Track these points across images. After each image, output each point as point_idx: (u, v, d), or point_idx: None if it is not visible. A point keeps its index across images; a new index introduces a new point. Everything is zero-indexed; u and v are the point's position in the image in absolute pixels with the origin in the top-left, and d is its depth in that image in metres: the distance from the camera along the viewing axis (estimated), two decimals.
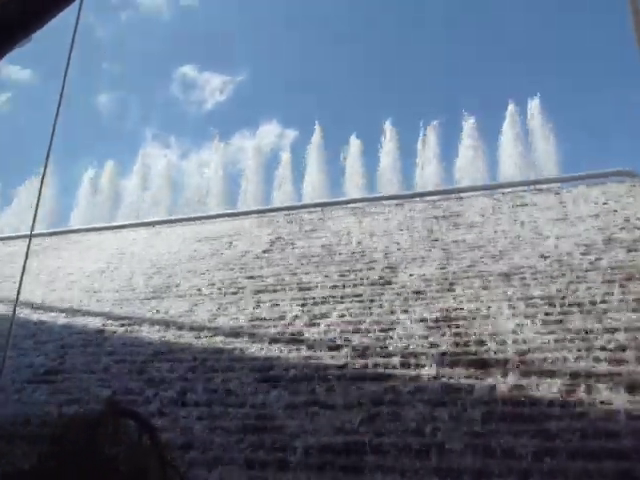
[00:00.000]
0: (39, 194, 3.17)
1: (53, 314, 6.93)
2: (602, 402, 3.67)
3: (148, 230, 10.73)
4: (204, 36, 26.88)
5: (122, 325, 6.27)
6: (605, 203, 7.70)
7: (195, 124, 26.08)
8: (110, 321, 6.43)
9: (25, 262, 2.99)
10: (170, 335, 5.76)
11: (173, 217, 11.59)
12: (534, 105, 12.55)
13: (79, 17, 3.54)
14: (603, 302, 4.97)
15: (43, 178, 3.10)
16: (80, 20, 3.54)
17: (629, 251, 6.01)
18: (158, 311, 6.48)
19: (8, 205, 15.10)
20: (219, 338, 5.42)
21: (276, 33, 27.08)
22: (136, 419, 2.01)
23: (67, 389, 4.90)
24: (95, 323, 6.47)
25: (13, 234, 12.01)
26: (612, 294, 5.07)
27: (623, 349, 4.26)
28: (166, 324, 6.03)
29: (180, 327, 5.89)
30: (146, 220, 11.95)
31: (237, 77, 30.89)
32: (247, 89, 26.44)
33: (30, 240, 3.28)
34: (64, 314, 6.92)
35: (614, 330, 4.48)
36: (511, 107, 12.58)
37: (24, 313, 6.87)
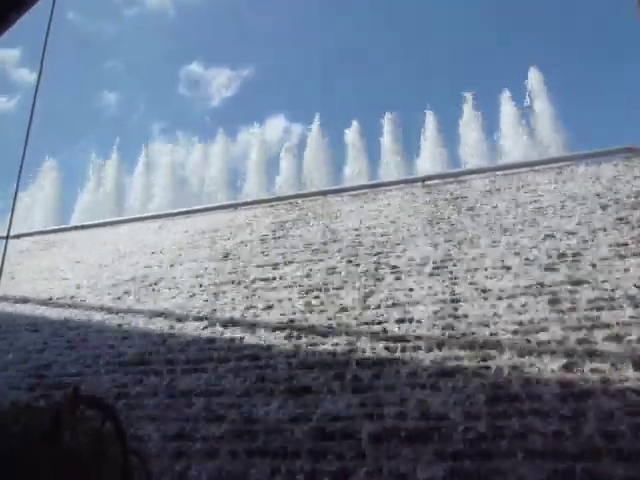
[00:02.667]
0: (15, 196, 3.14)
1: (49, 308, 6.93)
2: None
3: (150, 223, 10.73)
4: (209, 32, 26.87)
5: (119, 317, 6.26)
6: (613, 179, 7.54)
7: (202, 120, 26.13)
8: (107, 314, 6.42)
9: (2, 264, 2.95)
10: (168, 326, 5.73)
11: (175, 210, 11.57)
12: (534, 79, 12.41)
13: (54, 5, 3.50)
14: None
15: (19, 180, 3.04)
16: (55, 9, 3.51)
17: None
18: (155, 302, 6.46)
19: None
20: (216, 328, 5.39)
21: (282, 27, 26.98)
22: (99, 406, 1.95)
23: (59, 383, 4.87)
24: (93, 316, 6.47)
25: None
26: (614, 271, 4.96)
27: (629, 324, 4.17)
28: (164, 315, 6.01)
29: (178, 318, 5.86)
30: (148, 214, 11.99)
31: (243, 72, 30.85)
32: (253, 84, 26.44)
33: (7, 242, 3.26)
34: (60, 307, 6.91)
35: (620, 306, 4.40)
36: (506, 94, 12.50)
37: (20, 309, 6.89)
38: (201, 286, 6.72)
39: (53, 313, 6.91)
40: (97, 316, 6.47)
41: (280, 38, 27.15)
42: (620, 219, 6.23)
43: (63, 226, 12.47)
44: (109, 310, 6.57)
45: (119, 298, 6.90)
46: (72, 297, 7.32)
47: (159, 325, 5.83)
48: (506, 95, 12.80)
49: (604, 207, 6.65)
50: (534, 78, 12.87)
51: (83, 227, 11.82)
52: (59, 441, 1.73)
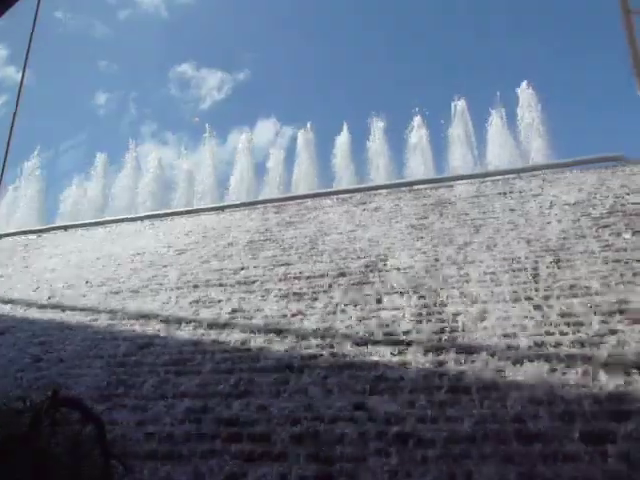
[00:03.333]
0: None
1: (37, 310, 6.85)
2: None
3: (137, 224, 10.65)
4: (202, 34, 26.83)
5: (107, 319, 6.20)
6: (593, 188, 7.62)
7: (192, 122, 26.03)
8: (94, 315, 6.36)
9: None
10: (153, 328, 5.69)
11: (162, 211, 11.50)
12: (522, 90, 12.55)
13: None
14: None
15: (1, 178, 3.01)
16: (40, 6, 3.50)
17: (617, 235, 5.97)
18: (143, 303, 6.41)
19: None
20: (201, 330, 5.36)
21: (275, 30, 27.00)
22: (79, 409, 1.93)
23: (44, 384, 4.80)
24: (79, 318, 6.40)
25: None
26: (596, 277, 5.01)
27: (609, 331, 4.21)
28: (149, 317, 5.96)
29: (163, 320, 5.82)
30: (135, 215, 11.90)
31: (236, 75, 30.79)
32: (246, 87, 26.41)
33: None
34: (48, 309, 6.83)
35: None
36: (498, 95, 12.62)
37: (5, 310, 6.79)
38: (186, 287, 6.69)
39: (35, 314, 6.83)
40: (79, 317, 6.40)
41: (273, 41, 27.17)
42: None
43: (47, 226, 12.32)
44: (92, 311, 6.51)
45: (104, 299, 6.84)
46: (50, 298, 7.24)
47: (143, 327, 5.79)
48: (496, 102, 12.92)
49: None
50: (523, 89, 13.01)
51: (67, 227, 11.70)
52: (37, 444, 1.71)
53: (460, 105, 13.05)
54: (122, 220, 11.39)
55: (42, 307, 6.97)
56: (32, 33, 3.00)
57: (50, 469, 1.68)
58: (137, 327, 5.85)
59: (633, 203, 6.82)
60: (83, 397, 3.92)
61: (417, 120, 13.14)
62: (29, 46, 2.97)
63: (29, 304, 7.18)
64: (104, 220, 11.87)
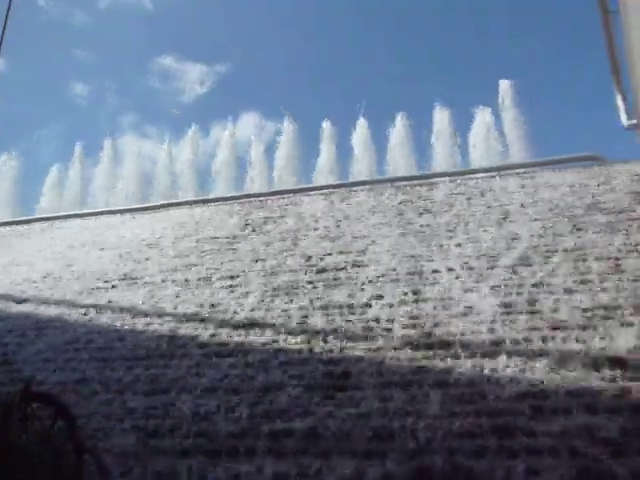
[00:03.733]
0: None
1: (11, 303, 6.75)
2: None
3: (116, 217, 10.55)
4: (185, 26, 26.54)
5: (84, 313, 6.13)
6: (572, 187, 7.73)
7: (173, 114, 25.77)
8: (72, 309, 6.28)
9: None
10: (132, 321, 5.64)
11: (142, 205, 11.40)
12: (504, 89, 12.66)
13: None
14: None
15: None
16: None
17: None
18: (122, 297, 6.35)
19: None
20: (179, 324, 5.32)
21: (258, 23, 26.83)
22: (51, 404, 1.90)
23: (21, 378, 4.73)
24: (56, 311, 6.32)
25: None
26: (573, 275, 5.09)
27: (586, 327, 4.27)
28: (128, 310, 5.91)
29: (143, 313, 5.77)
30: (115, 208, 11.79)
31: (219, 68, 30.57)
32: (229, 80, 26.22)
33: None
34: (23, 303, 6.73)
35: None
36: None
37: None
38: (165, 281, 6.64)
39: (11, 307, 6.72)
40: (58, 310, 6.32)
41: (258, 35, 27.01)
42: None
43: (24, 218, 12.14)
44: (71, 304, 6.43)
45: (80, 293, 6.76)
46: (25, 291, 7.14)
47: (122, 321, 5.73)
48: (479, 104, 13.02)
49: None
50: (504, 88, 13.12)
51: (45, 219, 11.54)
52: (7, 438, 1.68)
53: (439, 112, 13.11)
54: (100, 213, 11.28)
55: (17, 301, 6.87)
56: (4, 26, 2.93)
57: (20, 464, 1.66)
58: (113, 320, 5.79)
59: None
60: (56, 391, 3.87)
61: (400, 118, 13.20)
62: (2, 36, 2.90)
63: (4, 297, 7.07)
64: (82, 213, 11.73)
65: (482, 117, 12.97)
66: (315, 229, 7.77)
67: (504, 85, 12.87)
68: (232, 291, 6.04)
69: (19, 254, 9.13)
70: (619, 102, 8.80)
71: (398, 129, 13.01)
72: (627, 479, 2.70)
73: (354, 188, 9.75)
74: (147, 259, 7.63)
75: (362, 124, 13.63)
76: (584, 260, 5.43)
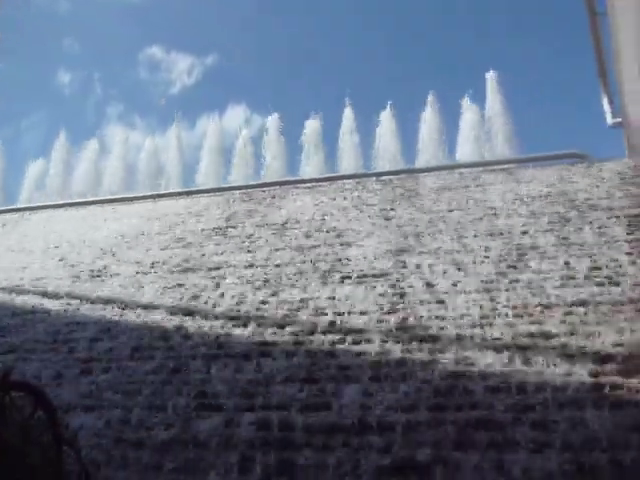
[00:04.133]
0: None
1: None
2: None
3: (100, 208, 10.42)
4: (174, 16, 26.17)
5: (63, 305, 6.06)
6: (555, 184, 7.78)
7: (160, 105, 25.49)
8: (51, 300, 6.21)
9: None
10: (113, 314, 5.59)
11: (126, 195, 11.28)
12: (491, 80, 12.66)
13: None
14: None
15: None
16: None
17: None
18: (103, 290, 6.29)
19: None
20: (163, 316, 5.29)
21: (248, 14, 26.55)
22: (31, 393, 1.87)
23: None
24: (34, 302, 6.24)
25: None
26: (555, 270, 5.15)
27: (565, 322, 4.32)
28: (110, 302, 5.86)
29: (124, 306, 5.72)
30: (99, 198, 11.65)
31: (206, 59, 30.23)
32: (216, 72, 25.94)
33: None
34: (4, 293, 6.65)
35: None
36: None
37: None
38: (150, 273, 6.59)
39: None
40: (37, 301, 6.25)
41: (246, 26, 26.70)
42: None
43: (5, 207, 11.95)
44: (55, 296, 6.36)
45: (67, 285, 6.68)
46: (6, 280, 7.04)
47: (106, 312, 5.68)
48: (465, 98, 13.01)
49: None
50: (491, 81, 13.12)
51: (29, 209, 11.37)
52: None
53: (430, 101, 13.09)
54: (84, 203, 11.13)
55: None
56: None
57: None
58: (97, 312, 5.74)
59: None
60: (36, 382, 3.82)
61: (385, 113, 13.16)
62: None
63: None
64: (65, 203, 11.57)
65: (468, 113, 12.97)
66: (301, 221, 7.75)
67: (491, 79, 12.84)
68: (218, 283, 6.02)
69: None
70: (605, 104, 8.91)
71: (386, 122, 12.97)
72: None
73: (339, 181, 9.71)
74: (129, 250, 7.56)
75: (348, 115, 13.56)
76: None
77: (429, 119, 12.95)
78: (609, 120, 9.04)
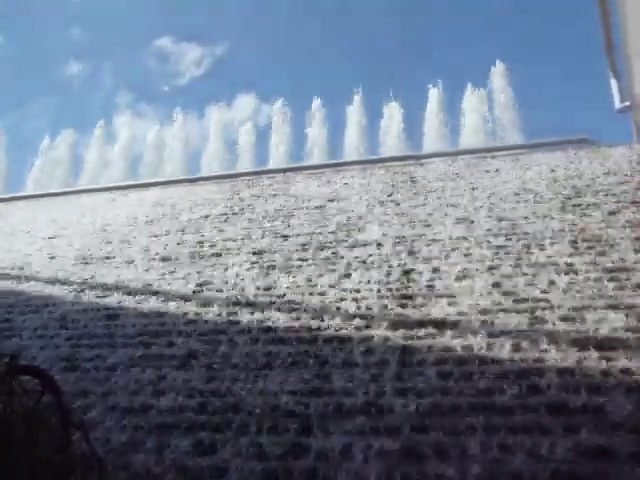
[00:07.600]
0: None
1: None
2: None
3: (105, 195, 10.43)
4: (182, 7, 26.03)
5: (72, 291, 6.10)
6: (565, 168, 7.73)
7: (170, 96, 25.49)
8: (60, 286, 6.25)
9: None
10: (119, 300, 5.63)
11: (131, 182, 11.29)
12: (497, 71, 12.58)
13: None
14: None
15: None
16: None
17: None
18: (108, 275, 6.32)
19: None
20: (168, 302, 5.33)
21: (256, 4, 26.34)
22: (38, 377, 1.88)
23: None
24: (44, 288, 6.28)
25: None
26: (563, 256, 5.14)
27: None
28: (116, 289, 5.89)
29: (129, 292, 5.75)
30: (104, 185, 11.67)
31: (215, 49, 30.08)
32: (225, 61, 25.85)
33: None
34: (12, 280, 6.69)
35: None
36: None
37: None
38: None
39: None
40: (42, 288, 6.29)
41: (255, 16, 26.49)
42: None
43: (12, 195, 11.99)
44: (56, 282, 6.39)
45: (72, 271, 6.71)
46: (21, 268, 7.08)
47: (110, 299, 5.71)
48: (469, 86, 12.89)
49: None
50: (498, 72, 13.01)
51: (33, 197, 11.41)
52: None
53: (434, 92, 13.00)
54: (91, 190, 11.15)
55: (3, 277, 6.82)
56: None
57: (4, 437, 1.64)
58: (102, 299, 5.77)
59: None
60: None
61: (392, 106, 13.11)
62: None
63: None
64: (72, 190, 11.60)
65: (473, 98, 12.86)
66: (306, 208, 7.73)
67: (499, 67, 12.74)
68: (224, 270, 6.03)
69: (3, 231, 9.04)
70: (612, 83, 8.78)
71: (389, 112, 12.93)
72: None
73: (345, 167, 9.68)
74: (135, 237, 7.58)
75: (357, 101, 13.52)
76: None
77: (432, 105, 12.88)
78: (617, 103, 8.91)
